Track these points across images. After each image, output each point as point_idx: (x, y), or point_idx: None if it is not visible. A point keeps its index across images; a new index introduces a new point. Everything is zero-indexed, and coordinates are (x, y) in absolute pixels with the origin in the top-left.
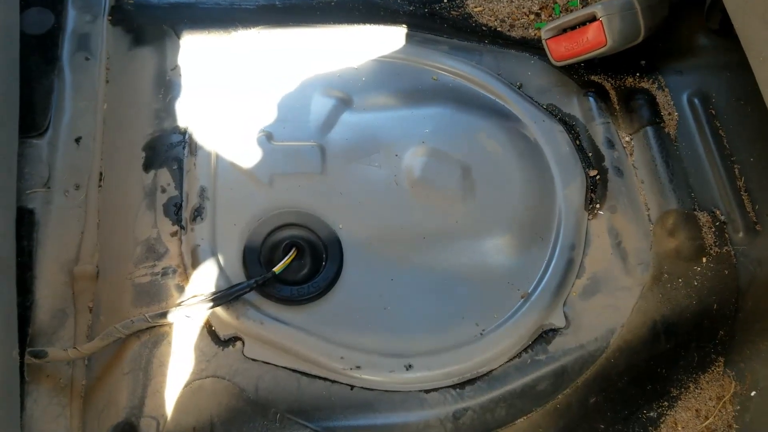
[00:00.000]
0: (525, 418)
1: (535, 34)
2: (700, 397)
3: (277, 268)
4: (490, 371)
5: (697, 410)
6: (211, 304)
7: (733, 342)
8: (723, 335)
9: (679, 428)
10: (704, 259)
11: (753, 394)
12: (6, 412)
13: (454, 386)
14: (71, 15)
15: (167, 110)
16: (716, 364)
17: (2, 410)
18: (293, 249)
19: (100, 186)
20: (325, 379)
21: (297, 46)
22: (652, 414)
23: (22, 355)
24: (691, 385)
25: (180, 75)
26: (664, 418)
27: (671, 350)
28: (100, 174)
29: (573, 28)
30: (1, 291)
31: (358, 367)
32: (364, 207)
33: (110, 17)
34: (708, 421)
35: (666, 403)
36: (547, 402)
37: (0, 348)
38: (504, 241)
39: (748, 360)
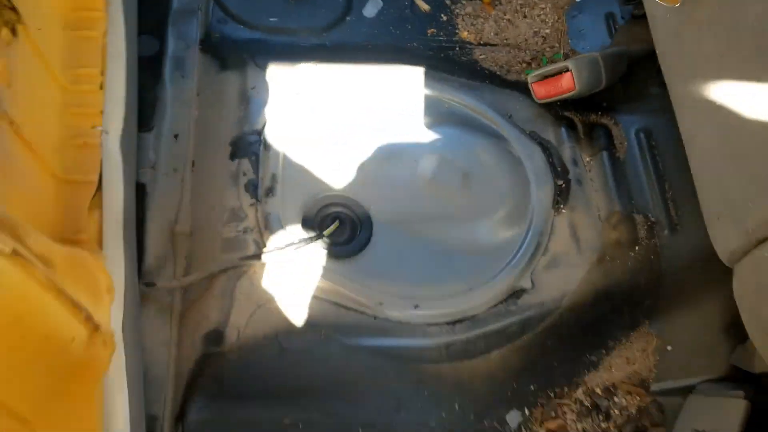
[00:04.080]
0: (497, 350)
1: (524, 78)
2: (630, 348)
3: (326, 232)
4: (475, 315)
5: (627, 358)
6: (278, 252)
7: (655, 308)
8: (648, 304)
9: (613, 370)
10: (637, 248)
11: (669, 348)
12: (134, 322)
13: (448, 323)
14: (171, 43)
15: (247, 118)
16: (643, 324)
17: (133, 320)
18: (337, 220)
19: (192, 170)
20: (356, 311)
21: (342, 77)
22: (593, 358)
23: None
24: (623, 339)
25: (257, 93)
26: (601, 362)
27: (609, 312)
28: (193, 162)
29: (552, 75)
30: (129, 240)
31: (381, 304)
32: (390, 195)
33: (201, 46)
34: (635, 366)
35: (604, 351)
36: (515, 341)
37: (129, 279)
38: (491, 225)
39: (665, 323)
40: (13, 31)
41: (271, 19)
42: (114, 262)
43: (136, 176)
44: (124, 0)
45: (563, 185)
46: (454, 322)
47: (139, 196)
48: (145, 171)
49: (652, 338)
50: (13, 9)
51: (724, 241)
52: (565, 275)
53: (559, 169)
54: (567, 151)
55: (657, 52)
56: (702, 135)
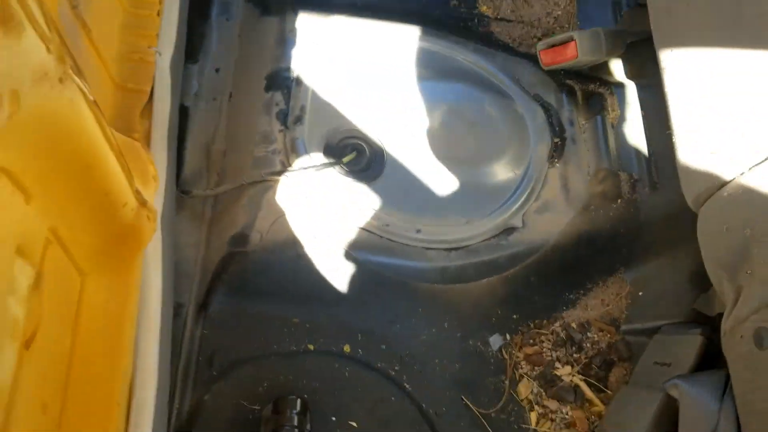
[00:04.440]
0: (486, 279)
1: (534, 51)
2: (605, 291)
3: (344, 159)
4: (469, 245)
5: (602, 300)
6: (301, 171)
7: (631, 257)
8: (625, 252)
9: (589, 309)
10: (619, 201)
11: (640, 293)
12: (171, 220)
13: (445, 249)
14: None
15: (283, 56)
16: (619, 270)
17: (170, 217)
18: (355, 151)
19: (229, 100)
20: (366, 230)
21: (370, 31)
22: (571, 297)
23: None
24: (600, 282)
25: (294, 35)
26: (579, 300)
27: (589, 256)
28: (230, 93)
29: (558, 45)
30: (171, 149)
31: (387, 225)
32: (403, 135)
33: None
34: (608, 307)
35: (581, 291)
36: (503, 273)
37: (169, 181)
38: (492, 170)
39: (639, 271)
40: None
41: None
42: (158, 163)
43: (180, 99)
44: None
45: (559, 142)
46: (450, 249)
47: (182, 116)
48: (188, 96)
49: (625, 284)
50: None
51: (692, 188)
52: (553, 219)
53: (557, 128)
54: (566, 114)
55: (651, 28)
56: (684, 95)
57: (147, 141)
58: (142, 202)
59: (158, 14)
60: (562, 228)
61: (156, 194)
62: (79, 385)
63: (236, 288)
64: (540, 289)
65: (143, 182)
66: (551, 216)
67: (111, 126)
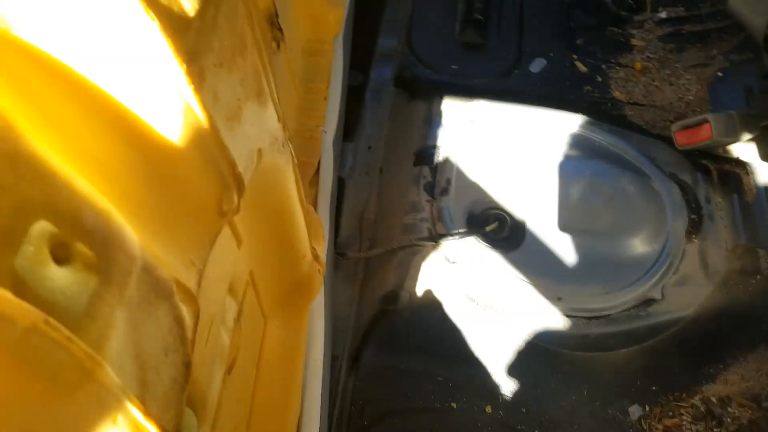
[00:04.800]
0: (626, 349)
1: (668, 132)
2: (746, 367)
3: (487, 228)
4: (609, 315)
5: (742, 375)
6: (447, 238)
7: None
8: (765, 328)
9: (729, 384)
10: (758, 277)
11: None
12: (329, 279)
13: (586, 318)
14: (373, 78)
15: (430, 135)
16: (759, 346)
17: (329, 276)
18: (497, 221)
19: (380, 174)
20: (508, 296)
21: (508, 112)
22: (711, 371)
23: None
24: (740, 357)
25: (440, 116)
26: (719, 375)
27: (729, 330)
28: (381, 168)
29: (693, 126)
30: (331, 215)
31: (529, 292)
32: (543, 208)
33: (394, 82)
34: (749, 383)
35: (721, 365)
36: (642, 343)
37: (330, 243)
38: (630, 243)
39: None
40: (278, 45)
41: (453, 66)
42: (323, 225)
43: (338, 172)
44: (344, 40)
45: (696, 219)
46: (590, 318)
47: (339, 187)
48: (344, 170)
49: (766, 360)
50: (280, 30)
51: None
52: (692, 293)
53: (693, 205)
54: (702, 192)
55: None
56: None
57: (314, 206)
58: (316, 257)
59: (324, 99)
60: (701, 301)
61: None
62: (260, 415)
63: (386, 344)
64: (679, 362)
65: (316, 239)
66: (690, 289)
67: None
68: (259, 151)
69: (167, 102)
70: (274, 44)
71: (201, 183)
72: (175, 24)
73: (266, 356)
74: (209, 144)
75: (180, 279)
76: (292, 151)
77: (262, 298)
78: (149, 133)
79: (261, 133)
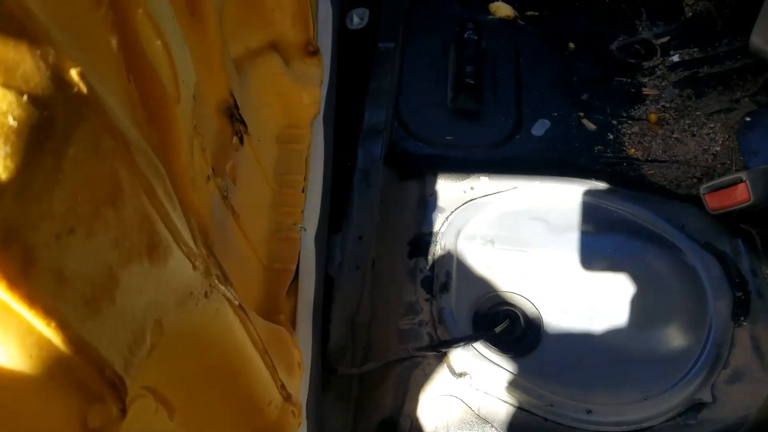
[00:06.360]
0: None
1: (696, 192)
2: None
3: (497, 329)
4: (651, 426)
5: None
6: (451, 346)
7: None
8: None
9: None
10: None
11: None
12: (316, 403)
13: None
14: (360, 157)
15: (425, 220)
16: None
17: (315, 401)
18: (507, 318)
19: (372, 268)
20: (526, 411)
21: (510, 190)
22: None
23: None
24: None
25: (435, 198)
26: None
27: None
28: (374, 260)
29: (726, 187)
30: (316, 326)
31: (551, 405)
32: (560, 298)
33: (384, 160)
34: None
35: None
36: None
37: (315, 362)
38: (666, 334)
39: None
40: (241, 140)
41: (447, 137)
42: (303, 345)
43: (325, 269)
44: (324, 120)
45: (742, 296)
46: None
47: (327, 287)
48: (332, 267)
49: None
50: (242, 122)
51: None
52: (749, 390)
53: (737, 280)
54: (745, 263)
55: None
56: None
57: (292, 321)
58: (287, 397)
59: (303, 191)
60: (761, 401)
61: (301, 380)
62: None
63: None
64: None
65: (288, 372)
66: (746, 386)
67: (258, 309)
68: (157, 322)
69: None
70: (236, 139)
71: (52, 410)
72: None
73: None
74: (54, 356)
75: None
76: (229, 292)
77: None
78: None
79: (159, 297)
